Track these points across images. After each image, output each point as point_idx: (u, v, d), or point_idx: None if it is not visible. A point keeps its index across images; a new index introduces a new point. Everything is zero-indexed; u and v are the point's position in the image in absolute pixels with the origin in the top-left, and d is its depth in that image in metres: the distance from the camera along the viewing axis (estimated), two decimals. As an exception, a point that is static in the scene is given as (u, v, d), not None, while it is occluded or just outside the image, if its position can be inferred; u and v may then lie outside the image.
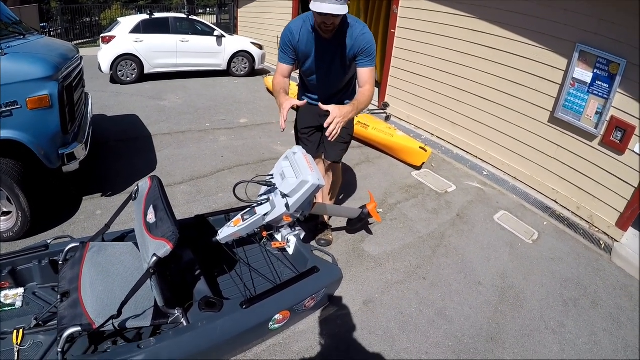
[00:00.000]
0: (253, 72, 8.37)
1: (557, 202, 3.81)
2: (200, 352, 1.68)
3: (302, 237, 2.40)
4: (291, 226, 2.38)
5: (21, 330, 1.57)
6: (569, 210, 3.70)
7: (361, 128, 4.82)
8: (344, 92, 2.63)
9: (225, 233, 2.18)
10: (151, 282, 1.56)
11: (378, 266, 2.80)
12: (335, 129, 2.00)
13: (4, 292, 1.87)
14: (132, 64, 6.96)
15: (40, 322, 1.72)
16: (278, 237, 2.40)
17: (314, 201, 2.38)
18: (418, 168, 4.44)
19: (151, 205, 1.83)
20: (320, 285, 2.09)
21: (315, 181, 1.93)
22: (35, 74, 2.46)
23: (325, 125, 2.02)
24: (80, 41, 12.75)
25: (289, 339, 2.14)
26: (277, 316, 1.90)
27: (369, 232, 3.20)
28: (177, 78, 7.59)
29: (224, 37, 7.82)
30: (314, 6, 2.02)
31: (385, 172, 4.37)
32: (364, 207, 2.87)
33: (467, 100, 4.59)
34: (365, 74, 2.31)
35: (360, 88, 2.36)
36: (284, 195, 2.00)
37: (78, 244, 2.01)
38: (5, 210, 2.61)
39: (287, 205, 1.99)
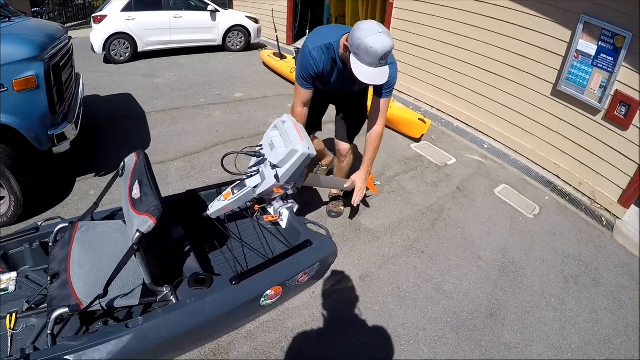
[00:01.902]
0: (249, 47, 8.13)
1: (559, 177, 3.70)
2: (190, 330, 1.65)
3: (295, 210, 2.33)
4: (283, 199, 2.32)
5: (14, 315, 1.56)
6: (571, 185, 3.60)
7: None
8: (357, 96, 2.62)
9: (215, 207, 2.14)
10: (136, 259, 1.52)
11: (375, 240, 2.75)
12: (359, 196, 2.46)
13: None
14: (125, 43, 6.76)
15: (33, 305, 1.71)
16: (270, 210, 2.34)
17: (306, 172, 2.30)
18: (417, 140, 4.32)
19: (137, 181, 1.78)
20: (314, 260, 2.04)
21: (305, 150, 1.85)
22: (20, 55, 2.40)
23: (353, 202, 2.47)
24: (73, 23, 12.47)
25: (283, 315, 2.11)
26: (268, 292, 1.85)
27: (367, 205, 3.14)
28: (172, 55, 7.38)
29: (218, 11, 7.56)
30: (358, 72, 1.85)
31: (383, 144, 4.11)
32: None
33: (468, 72, 4.43)
34: (380, 104, 2.30)
35: (371, 123, 2.35)
36: (273, 166, 1.93)
37: (67, 225, 1.97)
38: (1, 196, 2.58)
39: (276, 177, 1.92)
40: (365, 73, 1.85)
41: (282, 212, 2.28)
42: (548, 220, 3.18)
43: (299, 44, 7.24)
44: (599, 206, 3.36)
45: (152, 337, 1.53)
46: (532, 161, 3.93)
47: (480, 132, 4.44)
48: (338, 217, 2.94)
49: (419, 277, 2.43)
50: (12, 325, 1.49)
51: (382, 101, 2.30)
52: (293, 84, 5.74)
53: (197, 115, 4.74)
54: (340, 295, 2.26)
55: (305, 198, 2.98)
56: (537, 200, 3.44)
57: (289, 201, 2.30)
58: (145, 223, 1.49)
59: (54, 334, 1.44)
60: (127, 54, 6.82)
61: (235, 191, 2.10)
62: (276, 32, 6.59)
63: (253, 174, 2.08)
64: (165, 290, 1.65)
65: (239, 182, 2.14)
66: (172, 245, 2.00)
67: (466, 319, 2.18)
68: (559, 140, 3.65)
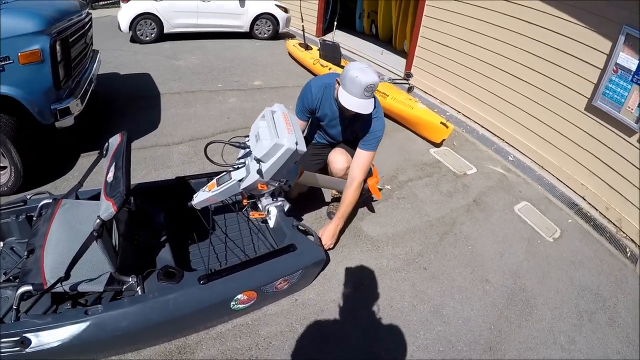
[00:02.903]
0: (277, 36, 7.97)
1: (584, 199, 3.35)
2: (151, 325, 1.58)
3: (286, 209, 2.16)
4: (273, 196, 2.14)
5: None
6: (596, 209, 3.26)
7: (380, 97, 4.44)
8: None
9: (199, 198, 2.01)
10: (98, 245, 1.47)
11: (374, 249, 2.54)
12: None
13: None
14: (151, 23, 6.74)
15: (11, 277, 1.72)
16: (260, 206, 2.18)
17: (300, 169, 2.12)
18: (437, 145, 4.04)
19: (114, 163, 1.71)
20: (295, 267, 1.87)
21: (292, 145, 1.67)
22: (26, 29, 2.39)
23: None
24: (104, 2, 12.75)
25: (259, 320, 1.95)
26: (239, 296, 1.71)
27: (371, 209, 2.92)
28: (198, 39, 7.33)
29: None
30: (343, 99, 1.99)
31: (400, 146, 4.01)
32: (364, 181, 2.58)
33: (498, 77, 4.09)
34: (361, 157, 2.24)
35: (350, 175, 2.25)
36: (257, 160, 1.75)
37: (51, 201, 1.94)
38: (1, 165, 2.60)
39: (259, 172, 1.76)
40: (349, 102, 1.97)
41: (270, 210, 2.11)
42: (568, 246, 2.86)
43: (329, 37, 7.00)
44: (624, 235, 3.02)
45: (110, 327, 1.48)
46: (557, 179, 3.58)
47: (505, 142, 4.11)
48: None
49: (416, 297, 2.20)
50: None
51: (364, 154, 2.24)
52: (316, 76, 5.67)
53: (211, 100, 4.63)
54: (325, 307, 2.07)
55: (306, 196, 2.79)
56: (559, 222, 3.11)
57: (279, 199, 2.13)
58: (107, 210, 1.42)
59: (18, 310, 1.42)
60: (152, 35, 6.80)
61: (220, 183, 1.96)
62: (302, 21, 6.39)
63: (239, 166, 1.92)
64: (131, 280, 1.59)
65: (224, 173, 1.99)
66: (152, 232, 1.95)
67: (461, 349, 1.94)
68: (589, 159, 3.31)
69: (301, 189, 2.66)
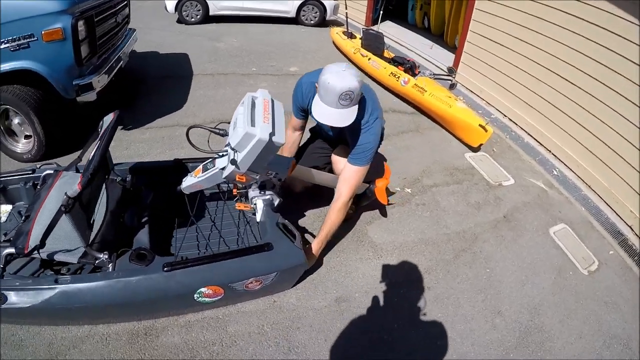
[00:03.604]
0: (324, 23, 7.74)
1: (632, 229, 2.82)
2: (112, 304, 1.58)
3: (276, 203, 1.99)
4: (264, 188, 1.97)
5: None
6: (644, 243, 2.74)
7: (417, 92, 4.12)
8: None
9: (186, 182, 1.93)
10: (67, 220, 1.51)
11: (376, 257, 2.29)
12: None
13: None
14: (196, 5, 6.81)
15: (10, 239, 1.76)
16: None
17: (293, 162, 1.93)
18: (475, 150, 3.64)
19: (98, 142, 1.79)
20: (270, 268, 1.72)
21: (264, 136, 1.50)
22: (49, 8, 2.51)
23: None
24: None
25: (230, 316, 1.85)
26: (203, 289, 1.63)
27: (383, 213, 2.67)
28: (243, 22, 7.30)
29: None
30: (314, 110, 1.76)
31: (433, 147, 3.66)
32: (371, 182, 2.33)
33: (551, 81, 3.58)
34: (348, 172, 1.98)
35: (336, 194, 2.00)
36: (233, 149, 1.60)
37: (53, 172, 2.04)
38: (27, 134, 2.82)
39: (234, 162, 1.61)
40: (321, 113, 1.73)
41: (257, 203, 1.95)
42: (604, 282, 2.41)
43: (380, 26, 6.64)
44: (673, 279, 2.49)
45: (74, 298, 1.52)
46: (605, 202, 3.06)
47: (552, 154, 3.61)
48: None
49: (411, 320, 1.94)
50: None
51: (350, 169, 1.97)
52: (355, 65, 5.40)
53: (242, 84, 4.56)
54: (303, 314, 1.89)
55: (312, 192, 2.57)
56: (599, 252, 2.64)
57: (267, 192, 1.94)
58: (74, 186, 1.46)
59: (4, 269, 1.51)
60: (198, 16, 6.88)
61: (205, 170, 1.85)
62: (346, 8, 6.11)
63: (223, 153, 1.76)
64: (103, 256, 1.60)
65: (210, 160, 1.87)
66: (139, 212, 1.96)
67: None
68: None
69: (306, 184, 2.47)
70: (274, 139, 1.53)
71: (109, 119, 1.94)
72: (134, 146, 3.21)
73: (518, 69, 3.96)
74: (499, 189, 3.12)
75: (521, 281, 2.27)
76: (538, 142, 3.76)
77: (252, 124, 1.55)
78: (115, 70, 3.26)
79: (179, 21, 6.91)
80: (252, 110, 1.62)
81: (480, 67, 4.47)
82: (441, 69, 5.06)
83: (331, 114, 1.70)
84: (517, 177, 3.30)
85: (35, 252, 1.52)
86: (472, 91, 4.65)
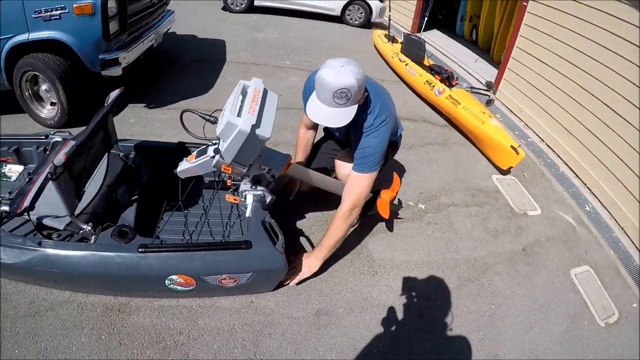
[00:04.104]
0: (368, 24, 7.58)
1: None
2: (85, 275, 1.61)
3: (267, 200, 1.90)
4: (256, 182, 1.89)
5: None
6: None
7: (450, 103, 3.90)
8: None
9: (181, 167, 1.89)
10: (54, 187, 1.52)
11: (370, 274, 2.14)
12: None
13: (9, 166, 2.18)
14: (242, -6, 6.86)
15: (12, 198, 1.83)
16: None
17: (289, 159, 1.84)
18: (504, 173, 3.38)
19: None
20: (245, 267, 1.64)
21: (245, 127, 1.40)
22: None
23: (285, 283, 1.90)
24: None
25: (204, 308, 1.80)
26: (174, 277, 1.60)
27: (390, 227, 2.50)
28: (287, 15, 7.28)
29: None
30: (308, 107, 1.66)
31: (458, 163, 3.44)
32: (377, 192, 2.17)
33: (596, 110, 3.26)
34: (351, 179, 1.84)
35: (341, 203, 1.85)
36: (218, 138, 1.54)
37: (61, 140, 2.11)
38: (53, 101, 2.95)
39: (217, 150, 1.56)
40: (314, 111, 1.61)
41: (246, 197, 1.86)
42: (621, 338, 2.12)
43: (425, 34, 6.42)
44: None
45: (52, 264, 1.56)
46: (638, 248, 2.73)
47: (587, 188, 3.28)
48: None
49: (392, 349, 1.77)
50: None
51: (353, 176, 1.84)
52: (392, 69, 5.23)
53: (272, 75, 4.52)
54: (278, 321, 1.78)
55: (320, 193, 2.42)
56: (621, 303, 2.34)
57: (259, 188, 1.84)
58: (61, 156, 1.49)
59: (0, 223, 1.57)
60: (242, 5, 6.94)
61: (198, 156, 1.80)
62: (390, 10, 5.93)
63: (216, 142, 1.68)
64: (86, 228, 1.63)
65: (204, 146, 1.83)
66: (133, 190, 1.98)
67: None
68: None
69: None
70: (257, 131, 1.43)
71: (114, 94, 1.95)
72: (153, 125, 3.23)
73: (562, 93, 3.64)
74: (523, 218, 2.86)
75: (528, 324, 2.03)
76: (574, 173, 3.44)
77: (238, 113, 1.47)
78: (145, 49, 3.32)
79: (224, 9, 6.99)
80: (242, 100, 1.53)
81: (523, 86, 4.17)
82: (481, 83, 4.78)
83: (325, 113, 1.58)
84: (545, 208, 3.02)
85: (26, 214, 1.53)
86: (511, 110, 4.35)
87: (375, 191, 2.25)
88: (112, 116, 2.06)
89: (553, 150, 3.74)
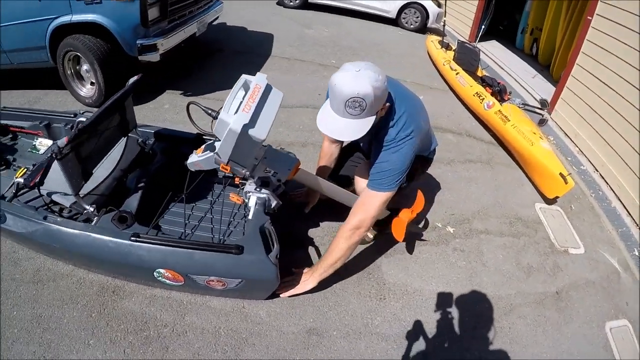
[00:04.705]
0: (423, 29, 7.28)
1: None
2: (82, 255, 1.67)
3: (272, 205, 1.80)
4: (264, 185, 1.79)
5: (24, 170, 1.73)
6: None
7: (499, 119, 3.60)
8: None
9: (190, 159, 1.84)
10: (59, 167, 1.56)
11: (377, 298, 1.97)
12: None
13: (40, 139, 2.28)
14: (296, -11, 6.85)
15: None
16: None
17: (296, 164, 1.74)
18: (549, 202, 3.04)
19: None
20: (234, 272, 1.57)
21: (236, 126, 1.33)
22: None
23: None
24: None
25: (193, 305, 1.78)
26: (162, 270, 1.59)
27: (409, 248, 2.31)
28: (340, 14, 7.17)
29: None
30: (319, 115, 1.49)
31: (499, 185, 3.14)
32: (395, 211, 2.00)
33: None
34: (363, 196, 1.69)
35: (346, 220, 1.69)
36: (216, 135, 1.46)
37: (85, 120, 2.17)
38: (92, 81, 3.08)
39: (213, 148, 1.54)
40: (324, 120, 1.45)
41: (250, 199, 1.78)
42: None
43: (483, 44, 6.03)
44: None
45: (53, 238, 1.62)
46: None
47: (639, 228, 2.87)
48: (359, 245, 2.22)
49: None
50: (19, 176, 1.67)
51: (365, 193, 1.67)
52: (443, 78, 4.96)
53: (315, 73, 4.44)
54: (265, 332, 1.69)
55: (334, 203, 2.30)
56: None
57: (264, 191, 1.74)
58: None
59: (15, 195, 1.67)
60: (297, 1, 6.89)
61: (204, 150, 1.74)
62: (445, 16, 5.62)
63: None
64: (89, 208, 1.68)
65: (212, 141, 1.77)
66: (141, 176, 2.00)
67: None
68: None
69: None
70: (250, 131, 1.34)
71: (132, 80, 1.97)
72: (185, 112, 3.25)
73: (625, 121, 3.21)
74: (562, 256, 2.55)
75: (545, 381, 1.77)
76: (627, 211, 3.02)
77: (230, 110, 1.39)
78: (185, 37, 3.37)
79: (279, 3, 7.01)
80: (243, 95, 1.44)
81: (581, 108, 3.75)
82: (536, 100, 4.39)
83: (334, 123, 1.41)
84: (590, 247, 2.67)
85: (37, 188, 1.60)
86: (565, 133, 3.93)
87: (394, 209, 2.08)
88: (132, 101, 2.06)
89: (607, 182, 3.31)
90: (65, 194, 1.75)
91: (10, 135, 2.30)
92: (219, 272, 1.55)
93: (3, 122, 2.28)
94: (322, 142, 2.28)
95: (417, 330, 1.85)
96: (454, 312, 1.99)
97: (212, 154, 1.62)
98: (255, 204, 1.74)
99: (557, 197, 3.01)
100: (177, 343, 1.61)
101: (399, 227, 1.94)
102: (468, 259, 2.35)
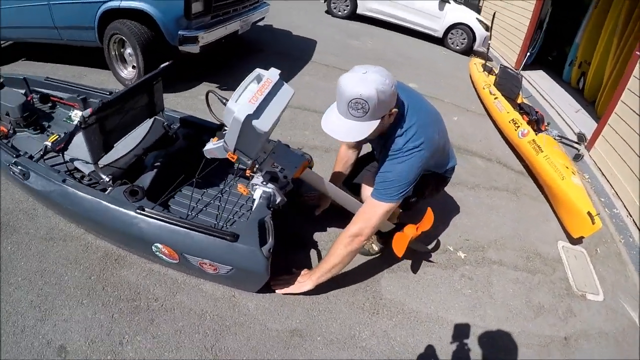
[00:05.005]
0: (469, 51, 7.15)
1: None
2: (90, 220, 1.78)
3: (277, 200, 1.81)
4: (272, 180, 1.81)
5: (56, 136, 1.86)
6: None
7: (531, 149, 3.44)
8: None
9: (207, 146, 1.91)
10: (82, 136, 1.67)
11: (369, 312, 1.92)
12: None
13: (75, 111, 2.45)
14: (345, 1, 6.93)
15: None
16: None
17: (304, 163, 1.75)
18: (573, 242, 2.87)
19: None
20: (225, 258, 1.60)
21: (240, 115, 1.36)
22: None
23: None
24: None
25: (186, 286, 1.83)
26: (159, 245, 1.66)
27: (414, 267, 2.24)
28: (388, 28, 7.18)
29: (449, 2, 6.84)
30: (325, 114, 1.51)
31: (522, 217, 2.99)
32: (400, 225, 1.96)
33: None
34: (365, 204, 1.68)
35: (347, 226, 1.67)
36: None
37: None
38: (134, 65, 3.25)
39: (221, 136, 1.60)
40: (328, 119, 1.46)
41: (255, 191, 1.81)
42: None
43: (529, 73, 5.83)
44: None
45: (66, 201, 1.75)
46: None
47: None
48: (364, 255, 2.20)
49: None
50: (50, 141, 1.78)
51: (368, 202, 1.64)
52: (481, 101, 4.84)
53: (351, 82, 4.43)
54: (249, 324, 1.70)
55: (342, 212, 2.26)
56: None
57: (269, 185, 1.76)
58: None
59: (42, 156, 1.82)
60: (345, 11, 7.01)
61: (219, 139, 1.81)
62: (490, 38, 5.49)
63: None
64: (105, 178, 1.80)
65: (225, 130, 1.78)
66: (159, 157, 2.09)
67: None
68: None
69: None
70: (254, 122, 1.36)
71: (163, 65, 2.08)
72: (217, 104, 3.34)
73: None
74: (578, 302, 2.38)
75: None
76: (659, 264, 2.80)
77: (237, 100, 1.45)
78: (227, 34, 3.48)
79: (328, 12, 7.11)
80: (247, 87, 1.50)
81: (621, 148, 3.53)
82: (575, 134, 4.19)
83: (336, 123, 1.41)
84: (609, 295, 2.48)
85: (61, 153, 1.80)
86: (602, 172, 3.71)
87: (400, 223, 2.04)
88: (161, 85, 2.15)
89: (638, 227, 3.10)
90: (86, 162, 1.88)
91: (49, 104, 2.47)
92: (212, 256, 1.58)
93: (46, 91, 2.45)
94: None
95: (404, 352, 1.78)
96: (448, 341, 1.90)
97: (222, 141, 1.67)
98: (260, 197, 1.76)
99: (582, 237, 2.82)
100: (163, 318, 1.66)
101: (400, 242, 1.89)
102: (475, 287, 2.25)
